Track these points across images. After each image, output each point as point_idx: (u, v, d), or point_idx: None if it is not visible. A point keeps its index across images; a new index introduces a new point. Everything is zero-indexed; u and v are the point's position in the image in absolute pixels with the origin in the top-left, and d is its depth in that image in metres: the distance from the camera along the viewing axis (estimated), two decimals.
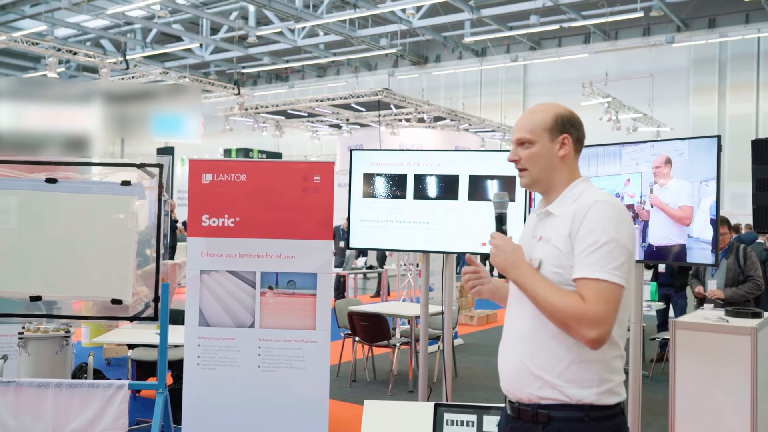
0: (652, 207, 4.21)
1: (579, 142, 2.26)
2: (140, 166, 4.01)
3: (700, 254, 4.03)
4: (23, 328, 4.10)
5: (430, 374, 7.18)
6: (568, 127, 2.23)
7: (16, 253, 4.08)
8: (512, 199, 4.65)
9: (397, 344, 7.50)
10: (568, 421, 2.05)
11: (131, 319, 4.04)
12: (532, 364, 2.10)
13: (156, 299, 4.02)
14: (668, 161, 4.15)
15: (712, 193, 3.97)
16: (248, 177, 4.70)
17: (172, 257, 12.39)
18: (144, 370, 6.44)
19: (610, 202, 2.10)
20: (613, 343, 2.08)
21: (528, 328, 2.14)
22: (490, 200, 4.75)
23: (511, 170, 4.79)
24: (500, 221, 2.29)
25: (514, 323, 2.22)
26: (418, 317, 7.10)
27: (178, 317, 5.16)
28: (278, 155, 27.94)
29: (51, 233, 4.08)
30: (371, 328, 7.34)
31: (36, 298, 3.94)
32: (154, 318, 4.05)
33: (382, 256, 16.61)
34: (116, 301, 3.97)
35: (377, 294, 15.90)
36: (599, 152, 4.49)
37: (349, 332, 7.71)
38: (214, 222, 4.68)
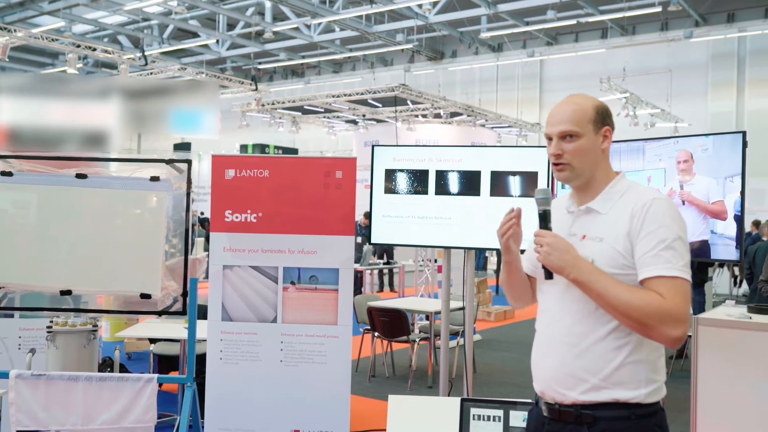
0: (684, 203, 4.20)
1: (612, 134, 2.21)
2: (169, 161, 4.05)
3: (725, 250, 4.02)
4: (51, 322, 4.15)
5: (449, 369, 7.19)
6: (608, 120, 2.18)
7: (46, 248, 4.13)
8: (533, 195, 4.65)
9: (417, 340, 7.52)
10: (614, 420, 2.02)
11: (160, 313, 4.07)
12: (578, 367, 2.06)
13: (184, 294, 4.05)
14: (691, 157, 4.14)
15: (736, 189, 3.96)
16: (271, 172, 4.73)
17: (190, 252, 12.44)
18: (165, 364, 6.49)
19: (666, 199, 2.07)
20: (659, 343, 2.05)
21: (574, 330, 2.08)
22: (511, 196, 4.76)
23: (532, 166, 4.82)
24: (544, 219, 2.19)
25: (554, 324, 2.15)
26: (437, 313, 7.12)
27: (200, 312, 5.19)
28: (294, 151, 28.02)
29: (80, 228, 4.12)
30: (390, 324, 7.36)
31: (66, 293, 3.99)
32: (182, 312, 4.08)
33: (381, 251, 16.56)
34: (145, 296, 4.01)
35: (380, 289, 15.96)
36: (622, 148, 4.49)
37: (369, 328, 7.74)
38: (236, 217, 4.71)
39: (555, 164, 2.16)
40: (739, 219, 3.96)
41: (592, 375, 2.04)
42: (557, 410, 2.11)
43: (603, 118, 2.16)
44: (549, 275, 2.13)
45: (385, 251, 15.37)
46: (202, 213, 22.47)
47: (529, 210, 2.39)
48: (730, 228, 3.99)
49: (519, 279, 2.39)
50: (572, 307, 2.09)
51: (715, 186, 4.04)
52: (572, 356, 2.07)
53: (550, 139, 2.17)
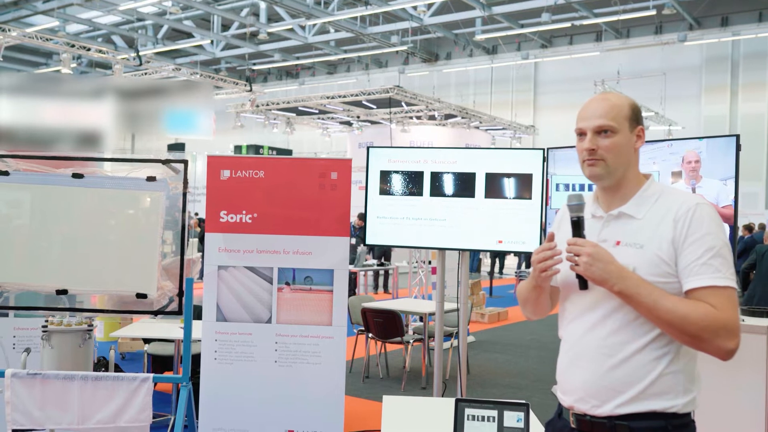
0: None
1: None
2: (166, 161, 4.06)
3: None
4: (46, 321, 4.15)
5: (443, 371, 7.20)
6: (641, 119, 2.10)
7: (42, 247, 4.13)
8: (529, 197, 4.68)
9: (410, 341, 7.54)
10: (650, 431, 1.95)
11: (156, 313, 4.07)
12: (615, 379, 1.97)
13: (180, 294, 4.06)
14: (699, 159, 4.15)
15: (730, 192, 3.99)
16: (266, 173, 4.73)
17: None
18: (159, 364, 6.49)
19: (709, 204, 1.99)
20: (696, 353, 1.99)
21: (610, 340, 1.99)
22: (506, 198, 4.78)
23: (527, 168, 4.84)
24: (578, 226, 2.06)
25: (588, 335, 2.05)
26: (431, 314, 7.14)
27: (195, 312, 5.19)
28: (288, 152, 28.01)
29: (76, 228, 4.12)
30: (385, 325, 7.38)
31: (62, 292, 3.99)
32: (178, 312, 4.09)
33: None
34: (141, 295, 4.01)
35: (375, 290, 15.98)
36: None
37: (363, 328, 7.75)
38: (231, 218, 4.71)
39: (588, 160, 2.06)
40: (734, 222, 3.99)
41: (629, 387, 1.96)
42: (589, 422, 2.03)
43: (637, 117, 2.09)
44: (584, 285, 2.02)
45: (384, 252, 15.39)
46: (196, 213, 22.42)
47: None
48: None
49: (545, 298, 2.26)
50: (610, 317, 2.00)
51: (723, 189, 4.04)
52: (608, 367, 1.99)
53: (582, 134, 2.08)
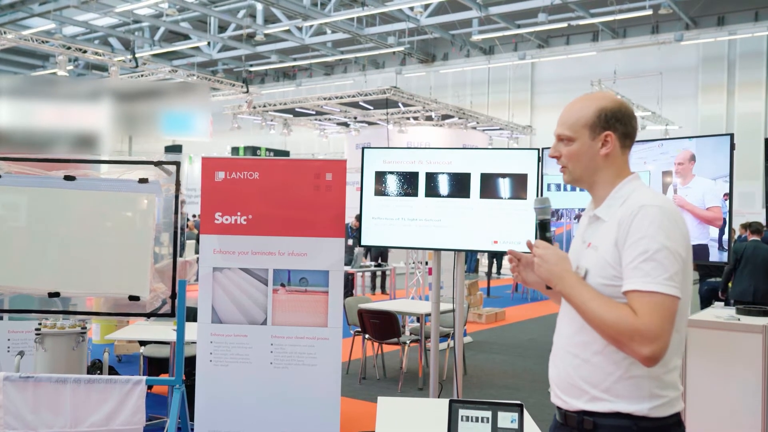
0: None
1: (627, 138, 2.09)
2: (158, 163, 4.04)
3: (712, 252, 4.06)
4: (40, 324, 4.14)
5: (440, 371, 7.20)
6: (613, 123, 2.05)
7: (34, 250, 4.11)
8: (524, 197, 4.67)
9: (407, 342, 7.53)
10: (615, 429, 1.96)
11: (148, 315, 4.07)
12: (579, 377, 2.02)
13: (173, 296, 4.04)
14: (693, 158, 4.14)
15: (719, 192, 3.99)
16: (261, 175, 4.73)
17: (180, 255, 12.43)
18: (155, 366, 6.48)
19: (659, 206, 1.93)
20: (670, 358, 1.95)
21: (576, 340, 2.04)
22: (501, 198, 4.77)
23: (522, 168, 4.83)
24: (543, 228, 2.16)
25: (562, 332, 2.13)
26: (427, 315, 7.13)
27: (190, 314, 5.19)
28: (286, 153, 28.01)
29: (68, 230, 4.11)
30: (381, 326, 7.37)
31: (54, 295, 3.98)
32: (171, 314, 4.07)
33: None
34: (133, 298, 4.00)
35: (372, 291, 15.99)
36: None
37: (359, 330, 7.74)
38: (226, 219, 4.70)
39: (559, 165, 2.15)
40: (729, 221, 3.99)
41: (592, 386, 1.99)
42: (564, 414, 2.10)
43: (605, 122, 2.05)
44: (548, 286, 2.13)
45: (381, 253, 15.37)
46: (194, 215, 22.41)
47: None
48: (715, 231, 4.02)
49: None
50: (575, 317, 2.03)
51: (712, 190, 4.01)
52: (574, 366, 2.04)
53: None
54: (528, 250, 2.22)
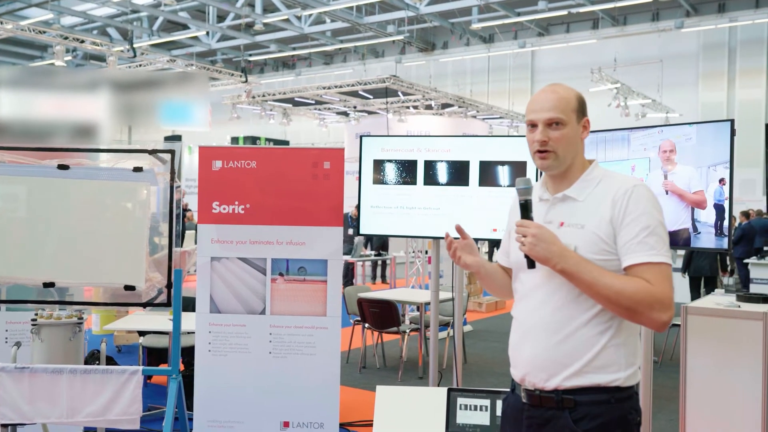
0: (667, 193, 4.20)
1: None
2: (152, 152, 4.01)
3: (707, 238, 4.06)
4: (36, 314, 4.11)
5: (439, 360, 7.19)
6: (585, 110, 2.23)
7: (29, 240, 4.09)
8: None
9: (407, 331, 7.52)
10: (594, 404, 2.06)
11: (144, 305, 4.04)
12: (561, 353, 2.09)
13: (169, 285, 4.02)
14: (674, 147, 4.16)
15: (717, 178, 3.97)
16: (258, 164, 4.70)
17: (180, 245, 12.42)
18: (155, 356, 6.47)
19: (646, 186, 2.12)
20: (637, 328, 2.13)
21: (555, 316, 2.11)
22: (500, 186, 4.75)
23: (521, 156, 4.80)
24: (526, 208, 2.18)
25: (535, 312, 2.17)
26: (427, 304, 7.11)
27: (188, 304, 5.17)
28: (285, 143, 27.97)
29: (63, 220, 4.08)
30: (381, 315, 7.36)
31: (49, 285, 3.95)
32: (167, 304, 4.05)
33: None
34: (129, 287, 3.98)
35: (373, 280, 16.00)
36: (607, 137, 4.47)
37: (359, 319, 7.73)
38: (224, 209, 4.68)
39: (539, 151, 2.17)
40: (721, 207, 3.97)
41: (575, 360, 2.07)
42: (538, 396, 2.13)
43: (583, 108, 2.21)
44: (532, 265, 2.13)
45: (382, 243, 15.35)
46: (187, 205, 22.35)
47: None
48: (710, 216, 4.02)
49: (494, 280, 2.47)
50: (554, 294, 2.11)
51: (696, 176, 4.07)
52: (555, 342, 2.10)
53: (533, 125, 2.18)
54: (458, 235, 2.36)
